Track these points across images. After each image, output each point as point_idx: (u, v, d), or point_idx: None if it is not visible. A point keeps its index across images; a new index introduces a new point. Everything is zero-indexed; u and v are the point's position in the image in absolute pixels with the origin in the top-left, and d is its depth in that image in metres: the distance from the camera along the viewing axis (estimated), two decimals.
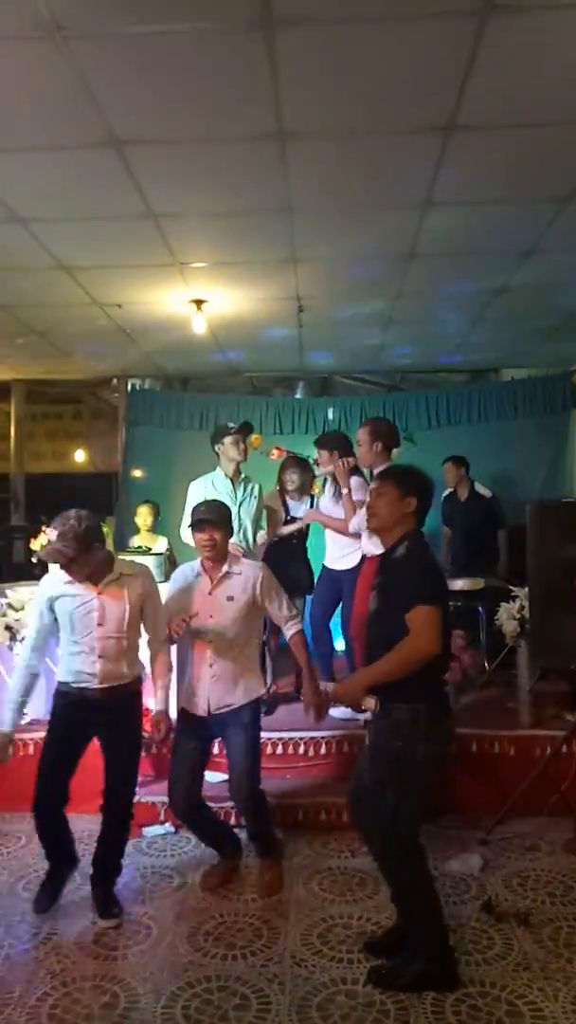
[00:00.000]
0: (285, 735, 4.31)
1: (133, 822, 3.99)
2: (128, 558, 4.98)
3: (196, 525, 3.26)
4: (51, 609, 3.14)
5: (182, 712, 3.36)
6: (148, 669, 3.37)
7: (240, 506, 4.57)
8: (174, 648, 3.39)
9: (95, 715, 3.15)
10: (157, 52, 2.45)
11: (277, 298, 5.00)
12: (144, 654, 3.34)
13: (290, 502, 4.97)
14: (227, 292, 4.89)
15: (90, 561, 3.00)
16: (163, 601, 3.39)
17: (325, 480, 4.82)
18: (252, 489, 4.74)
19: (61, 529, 2.93)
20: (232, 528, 3.42)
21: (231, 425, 4.69)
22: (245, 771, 3.31)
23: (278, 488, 4.99)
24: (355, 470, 4.53)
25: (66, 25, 2.30)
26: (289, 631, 3.40)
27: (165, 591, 4.68)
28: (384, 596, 2.69)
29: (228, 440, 4.58)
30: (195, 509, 3.39)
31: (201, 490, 4.68)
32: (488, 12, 2.28)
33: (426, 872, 2.74)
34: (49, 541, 3.05)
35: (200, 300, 5.00)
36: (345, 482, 4.42)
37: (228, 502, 4.46)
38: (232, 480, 4.71)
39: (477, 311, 5.27)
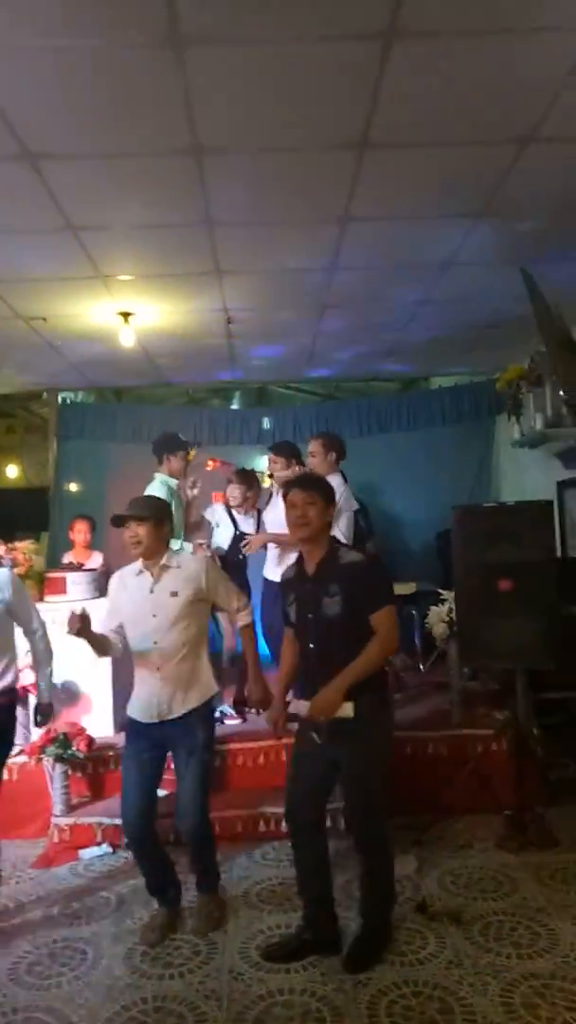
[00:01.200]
0: (220, 746, 4.29)
1: (70, 844, 3.96)
2: (54, 574, 4.97)
3: (114, 521, 3.11)
4: None
5: (131, 722, 3.17)
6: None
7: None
8: (103, 654, 3.22)
9: None
10: (66, 66, 2.44)
11: (205, 310, 5.01)
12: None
13: (237, 515, 4.92)
14: (154, 304, 4.87)
15: None
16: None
17: (271, 491, 4.83)
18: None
19: None
20: (164, 519, 3.16)
21: (183, 439, 4.81)
22: (195, 798, 3.09)
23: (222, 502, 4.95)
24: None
25: None
26: (240, 621, 3.29)
27: (102, 604, 4.64)
28: (349, 600, 2.74)
29: (180, 454, 4.68)
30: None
31: (159, 490, 4.69)
32: (392, 35, 2.34)
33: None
34: None
35: (127, 312, 4.97)
36: None
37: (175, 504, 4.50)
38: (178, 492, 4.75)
39: (403, 321, 5.39)
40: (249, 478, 4.98)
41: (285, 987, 2.74)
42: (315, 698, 2.73)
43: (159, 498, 3.46)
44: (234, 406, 8.46)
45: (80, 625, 2.92)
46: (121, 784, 3.17)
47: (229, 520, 4.90)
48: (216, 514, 4.98)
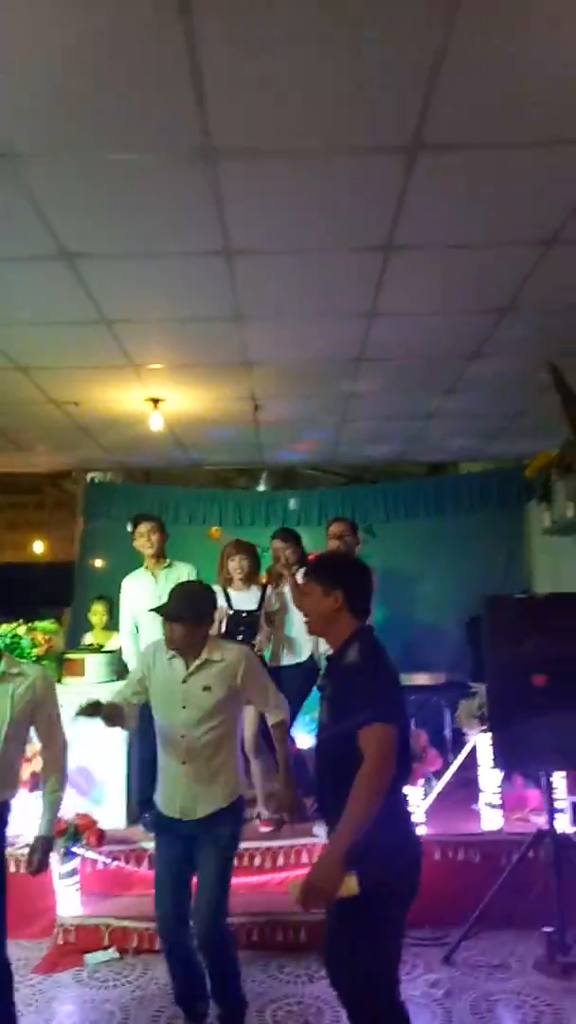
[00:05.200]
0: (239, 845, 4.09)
1: (75, 947, 3.75)
2: (73, 655, 4.91)
3: (155, 610, 3.01)
4: None
5: (157, 812, 3.02)
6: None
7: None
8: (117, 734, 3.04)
9: None
10: (103, 177, 2.57)
11: (233, 398, 5.10)
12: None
13: (233, 593, 4.61)
14: (183, 392, 4.98)
15: None
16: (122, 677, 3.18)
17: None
18: (179, 575, 4.48)
19: None
20: (204, 617, 3.00)
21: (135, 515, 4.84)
22: (212, 897, 2.89)
23: (220, 578, 4.67)
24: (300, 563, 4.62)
25: (14, 150, 2.40)
26: (272, 719, 3.08)
27: (119, 688, 4.54)
28: (334, 708, 2.38)
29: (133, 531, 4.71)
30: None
31: (128, 584, 4.79)
32: (418, 149, 2.44)
33: None
34: None
35: (156, 399, 5.07)
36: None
37: (149, 596, 4.41)
38: (150, 569, 4.71)
39: (429, 409, 5.43)
40: (252, 549, 4.75)
41: None
42: (308, 876, 2.15)
43: (206, 593, 3.17)
44: (260, 487, 8.52)
45: (91, 712, 2.80)
46: (155, 881, 3.01)
47: (223, 598, 4.53)
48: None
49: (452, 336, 4.03)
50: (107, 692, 4.69)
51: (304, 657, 4.70)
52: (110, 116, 2.26)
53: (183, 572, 4.59)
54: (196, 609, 2.94)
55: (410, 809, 2.64)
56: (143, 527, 4.71)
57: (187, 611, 2.90)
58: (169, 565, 4.72)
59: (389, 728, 2.20)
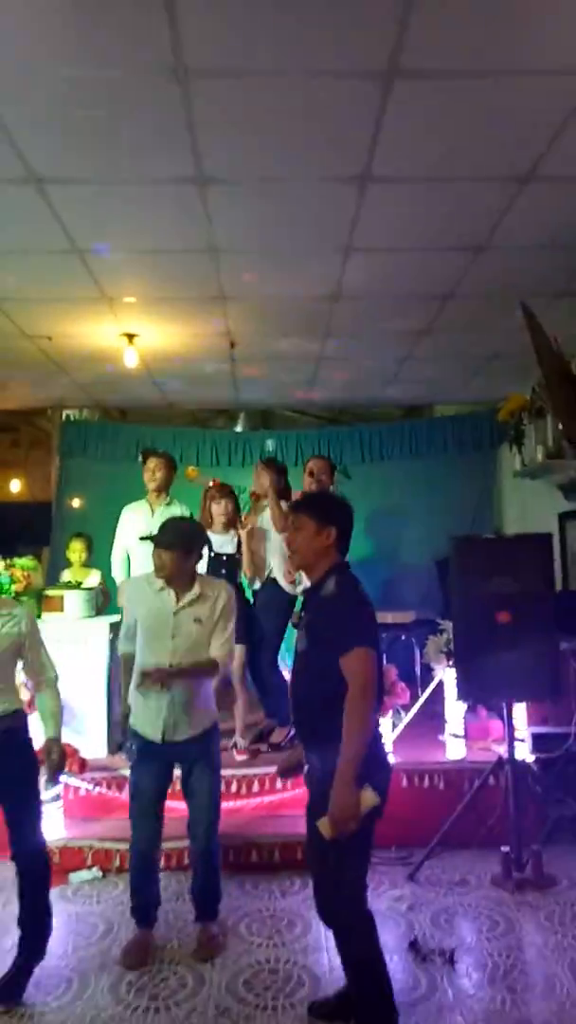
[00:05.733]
0: None
1: (59, 868, 3.90)
2: (52, 592, 5.00)
3: (145, 538, 3.09)
4: None
5: (136, 736, 3.14)
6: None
7: None
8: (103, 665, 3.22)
9: None
10: (76, 95, 2.48)
11: (209, 334, 5.03)
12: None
13: (213, 536, 4.60)
14: (158, 327, 4.90)
15: None
16: (122, 617, 3.28)
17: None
18: (173, 513, 4.58)
19: None
20: (194, 549, 3.09)
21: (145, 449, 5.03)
22: (208, 815, 3.14)
23: (202, 520, 4.70)
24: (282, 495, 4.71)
25: None
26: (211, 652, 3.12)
27: (98, 623, 4.64)
28: (313, 637, 2.49)
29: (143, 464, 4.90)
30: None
31: (126, 514, 5.02)
32: (394, 75, 2.38)
33: (376, 947, 2.49)
34: None
35: (131, 334, 4.99)
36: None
37: (143, 527, 4.51)
38: (150, 503, 4.89)
39: (405, 349, 5.41)
40: (233, 493, 4.82)
41: None
42: (331, 808, 2.30)
43: (196, 528, 3.29)
44: (238, 428, 8.49)
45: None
46: (135, 801, 3.16)
47: None
48: None
49: (428, 274, 3.99)
50: (85, 627, 4.82)
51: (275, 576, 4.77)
52: (80, 31, 2.18)
53: (178, 511, 4.71)
54: (186, 540, 3.06)
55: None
56: (151, 462, 4.95)
57: (178, 540, 3.02)
58: (169, 503, 4.93)
59: (369, 652, 2.36)
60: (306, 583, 4.47)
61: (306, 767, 2.61)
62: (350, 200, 3.17)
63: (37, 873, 2.99)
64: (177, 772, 3.20)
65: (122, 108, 2.55)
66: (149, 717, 3.10)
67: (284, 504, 4.59)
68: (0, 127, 2.63)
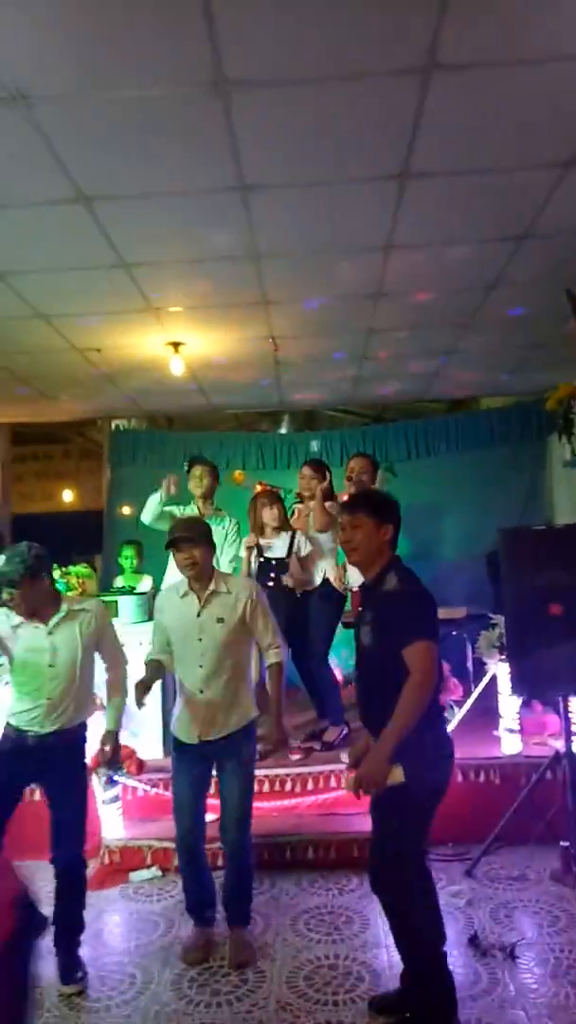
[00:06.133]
0: (271, 771, 4.29)
1: (120, 867, 4.00)
2: (107, 598, 5.11)
3: (172, 544, 3.14)
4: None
5: (176, 741, 3.24)
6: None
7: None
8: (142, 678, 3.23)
9: (36, 763, 3.04)
10: (116, 116, 2.56)
11: (252, 338, 5.10)
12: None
13: (263, 541, 4.71)
14: (203, 334, 4.99)
15: (35, 593, 2.96)
16: (152, 628, 3.35)
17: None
18: (226, 525, 4.74)
19: (8, 554, 2.92)
20: (209, 538, 3.21)
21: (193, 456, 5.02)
22: (239, 813, 3.17)
23: (254, 526, 4.78)
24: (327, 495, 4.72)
25: (28, 93, 2.41)
26: (269, 659, 3.25)
27: (151, 627, 4.70)
28: (379, 631, 2.57)
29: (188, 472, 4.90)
30: (170, 529, 3.26)
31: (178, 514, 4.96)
32: (431, 70, 2.39)
33: (431, 919, 2.60)
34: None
35: (177, 343, 5.09)
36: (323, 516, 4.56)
37: None
38: (198, 508, 4.86)
39: (449, 343, 5.38)
40: (279, 497, 4.89)
41: (333, 1020, 2.71)
42: (360, 769, 2.50)
43: (204, 520, 3.46)
44: (282, 430, 8.54)
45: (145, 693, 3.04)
46: (174, 800, 3.25)
47: (256, 547, 4.72)
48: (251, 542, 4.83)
49: (470, 266, 3.98)
50: (140, 632, 4.92)
51: (320, 580, 4.80)
52: (122, 53, 2.26)
53: (226, 523, 4.81)
54: (206, 534, 3.17)
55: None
56: (196, 470, 4.96)
57: (196, 533, 3.13)
58: (216, 512, 4.89)
59: (431, 644, 2.47)
60: (353, 583, 4.57)
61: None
62: (390, 198, 3.19)
63: (75, 875, 3.08)
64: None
65: (165, 124, 2.63)
66: (185, 720, 3.18)
67: (330, 504, 4.63)
68: (51, 152, 2.74)
